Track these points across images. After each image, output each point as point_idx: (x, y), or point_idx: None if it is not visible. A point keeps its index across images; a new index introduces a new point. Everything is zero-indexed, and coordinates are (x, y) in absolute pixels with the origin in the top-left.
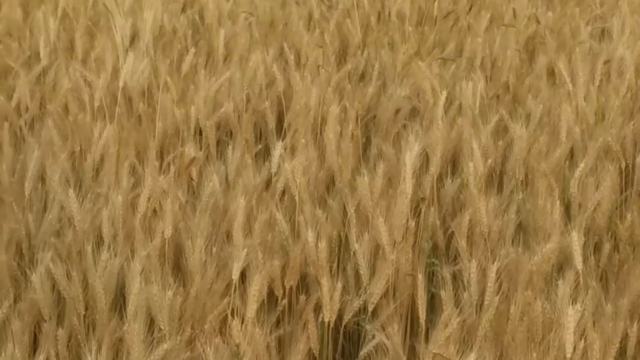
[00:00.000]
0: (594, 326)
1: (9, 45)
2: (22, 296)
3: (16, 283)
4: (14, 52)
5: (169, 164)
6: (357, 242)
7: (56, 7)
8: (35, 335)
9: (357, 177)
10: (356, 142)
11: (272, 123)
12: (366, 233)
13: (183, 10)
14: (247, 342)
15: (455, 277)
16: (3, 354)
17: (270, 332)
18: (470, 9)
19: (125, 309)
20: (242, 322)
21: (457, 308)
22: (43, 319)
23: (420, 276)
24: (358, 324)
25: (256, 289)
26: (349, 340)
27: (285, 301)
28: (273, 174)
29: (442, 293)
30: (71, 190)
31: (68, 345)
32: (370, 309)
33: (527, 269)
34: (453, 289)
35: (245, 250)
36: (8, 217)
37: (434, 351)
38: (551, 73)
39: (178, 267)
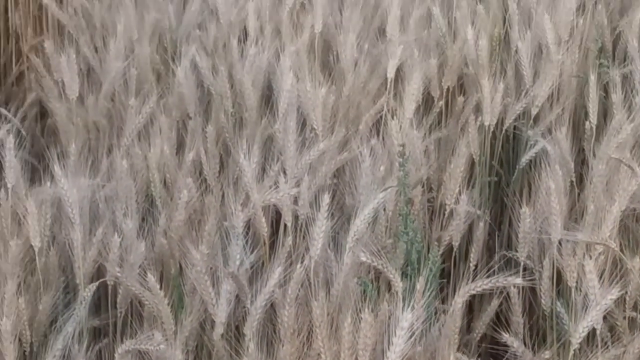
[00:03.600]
0: None
1: None
2: (168, 91)
3: (160, 77)
4: None
5: None
6: (519, 40)
7: None
8: (179, 132)
9: None
10: None
11: None
12: (529, 31)
13: None
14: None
15: (625, 80)
16: (151, 150)
17: (428, 134)
18: None
19: (274, 106)
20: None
21: (628, 113)
22: (188, 116)
23: (592, 77)
24: (515, 129)
25: (414, 87)
26: (509, 145)
27: (442, 102)
28: None
29: (613, 96)
30: None
31: (216, 143)
32: (533, 113)
33: None
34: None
35: (401, 46)
36: (150, 7)
37: (613, 156)
38: None
39: (327, 65)
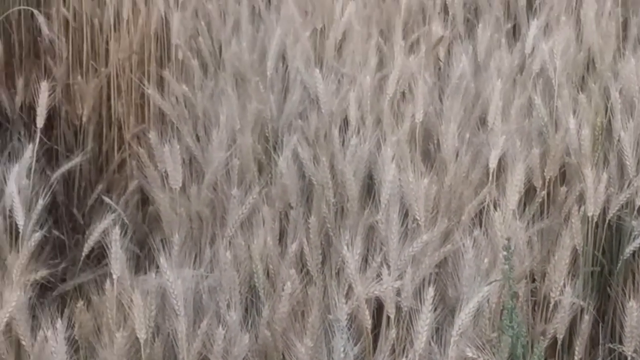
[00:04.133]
0: None
1: None
2: (270, 181)
3: (261, 167)
4: None
5: (414, 44)
6: (622, 129)
7: None
8: (281, 222)
9: (619, 59)
10: (616, 22)
11: (522, 0)
12: (632, 120)
13: None
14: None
15: None
16: (254, 241)
17: (531, 224)
18: None
19: (376, 197)
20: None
21: None
22: (290, 206)
23: None
24: (619, 219)
25: (517, 178)
26: (612, 235)
27: (544, 192)
28: (527, 55)
29: None
30: (317, 70)
31: (319, 233)
32: (637, 203)
33: None
34: None
35: (503, 137)
36: (252, 97)
37: None
38: None
39: (428, 154)
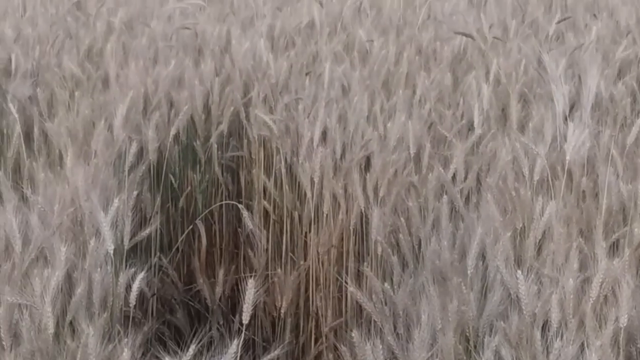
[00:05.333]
0: None
1: (441, 112)
2: None
3: None
4: (447, 119)
5: (617, 245)
6: None
7: (487, 71)
8: None
9: None
10: None
11: None
12: None
13: (619, 76)
14: None
15: None
16: None
17: None
18: None
19: None
20: None
21: None
22: None
23: None
24: None
25: None
26: None
27: None
28: None
29: None
30: (519, 272)
31: None
32: None
33: None
34: None
35: None
36: (452, 295)
37: None
38: None
39: (630, 358)
